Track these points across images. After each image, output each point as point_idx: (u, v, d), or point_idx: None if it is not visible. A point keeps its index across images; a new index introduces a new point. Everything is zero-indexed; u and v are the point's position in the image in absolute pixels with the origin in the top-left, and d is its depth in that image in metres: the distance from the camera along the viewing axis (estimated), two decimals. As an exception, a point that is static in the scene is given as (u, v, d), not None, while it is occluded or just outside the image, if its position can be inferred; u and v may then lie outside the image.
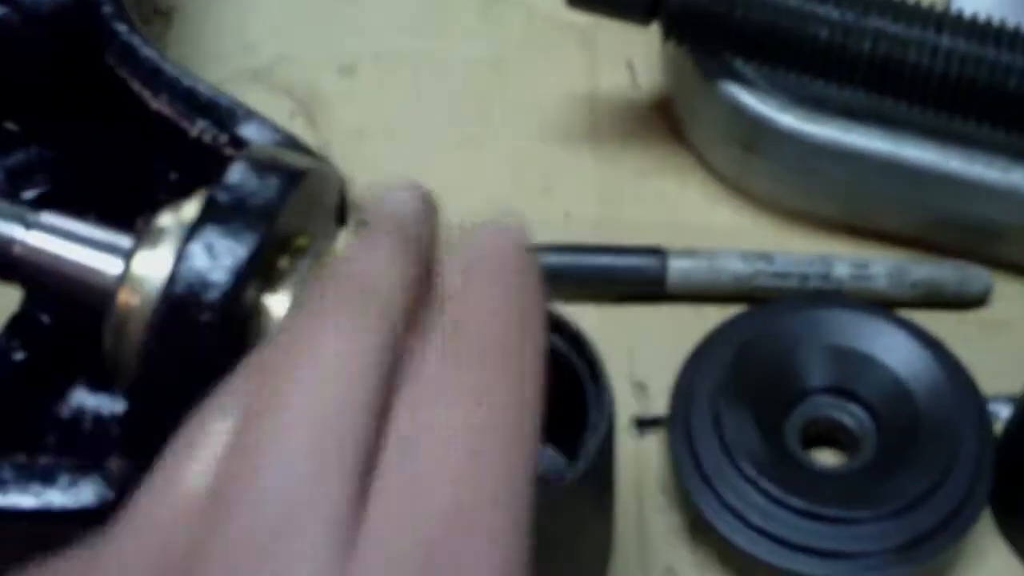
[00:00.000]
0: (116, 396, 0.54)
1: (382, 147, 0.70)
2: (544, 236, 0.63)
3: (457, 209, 0.67)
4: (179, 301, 0.44)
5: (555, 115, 0.71)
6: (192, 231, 0.45)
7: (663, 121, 0.71)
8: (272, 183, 0.47)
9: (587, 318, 0.61)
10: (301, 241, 0.48)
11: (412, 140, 0.71)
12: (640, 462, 0.60)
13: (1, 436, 0.50)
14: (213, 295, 0.44)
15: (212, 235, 0.45)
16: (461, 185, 0.67)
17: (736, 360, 0.57)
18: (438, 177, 0.68)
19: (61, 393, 0.54)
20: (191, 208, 0.48)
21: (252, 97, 0.54)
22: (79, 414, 0.54)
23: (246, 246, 0.45)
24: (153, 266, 0.46)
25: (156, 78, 0.55)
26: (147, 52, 0.56)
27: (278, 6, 0.76)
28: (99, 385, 0.54)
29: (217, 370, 0.45)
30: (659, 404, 0.60)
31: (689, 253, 0.63)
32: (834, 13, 0.61)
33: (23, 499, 0.47)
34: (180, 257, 0.44)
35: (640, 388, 0.61)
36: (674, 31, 0.63)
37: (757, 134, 0.64)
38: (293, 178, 0.47)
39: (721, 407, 0.56)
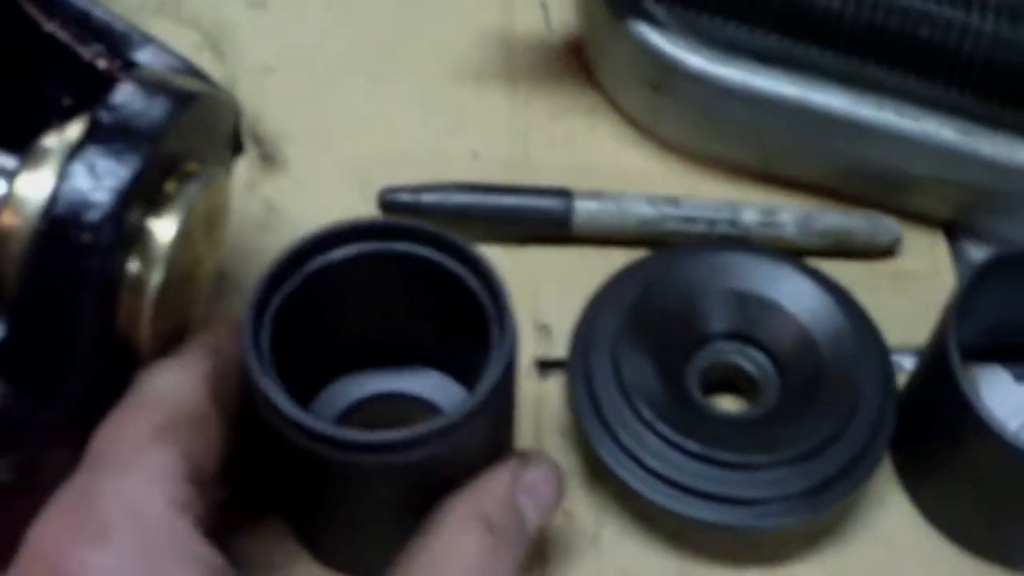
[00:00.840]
0: None
1: (291, 82, 0.69)
2: (452, 174, 0.63)
3: (364, 146, 0.66)
4: (59, 221, 0.43)
5: (467, 53, 0.70)
6: (74, 151, 0.44)
7: (576, 63, 0.70)
8: (159, 105, 0.46)
9: (494, 258, 0.60)
10: (190, 166, 0.48)
11: (321, 75, 0.70)
12: (541, 404, 0.59)
13: None
14: (94, 215, 0.43)
15: (94, 155, 0.44)
16: (370, 121, 0.67)
17: (638, 303, 0.57)
18: (347, 113, 0.68)
19: None
20: (76, 130, 0.46)
21: (158, 28, 0.53)
22: None
23: (129, 167, 0.44)
24: (35, 187, 0.45)
25: (47, 3, 0.53)
26: None
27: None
28: None
29: (95, 293, 0.44)
30: (562, 347, 0.59)
31: (596, 195, 0.62)
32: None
33: None
34: (61, 177, 0.43)
35: (543, 330, 0.61)
36: (586, -31, 0.62)
37: (666, 75, 0.63)
38: (182, 101, 0.46)
39: (621, 350, 0.55)
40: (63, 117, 0.48)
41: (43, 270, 0.44)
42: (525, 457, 0.49)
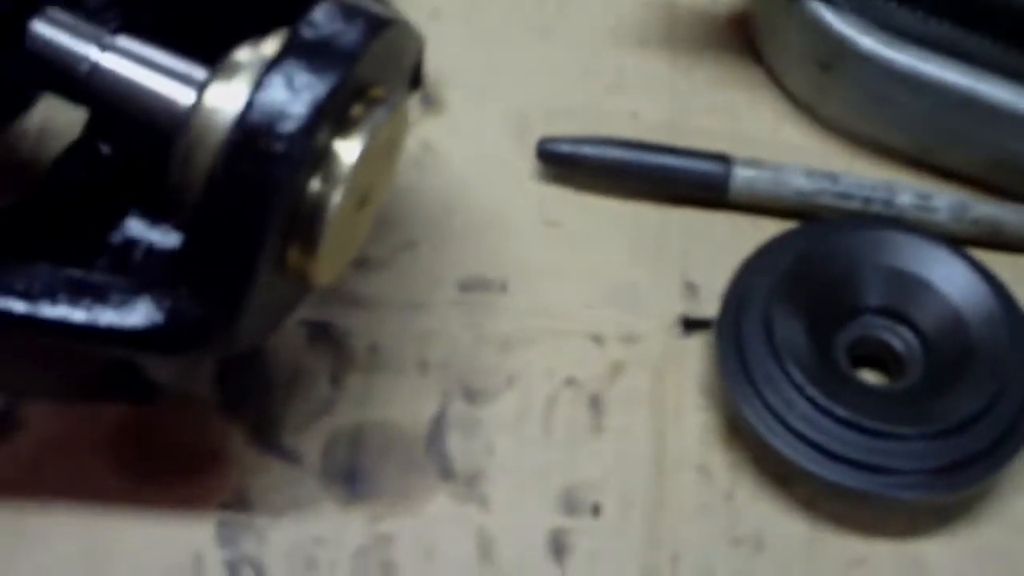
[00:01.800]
0: (169, 231, 0.54)
1: (456, 29, 0.70)
2: (610, 132, 0.63)
3: (526, 98, 0.67)
4: (253, 129, 0.44)
5: (631, 15, 0.71)
6: (273, 63, 0.45)
7: (739, 34, 0.70)
8: (357, 27, 0.47)
9: (645, 216, 0.62)
10: (376, 92, 0.48)
11: (486, 25, 0.70)
12: (682, 361, 0.59)
13: (54, 253, 0.50)
14: (289, 126, 0.44)
15: (293, 68, 0.44)
16: (533, 74, 0.68)
17: (791, 270, 0.57)
18: (509, 63, 0.69)
19: (114, 223, 0.54)
20: (270, 45, 0.47)
21: None
22: (131, 244, 0.54)
23: (327, 83, 0.44)
24: (227, 98, 0.46)
25: None
26: None
27: None
28: (153, 220, 0.54)
29: (282, 204, 0.45)
30: (708, 308, 0.60)
31: (754, 163, 0.63)
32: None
33: (73, 312, 0.46)
34: (259, 86, 0.44)
35: (690, 288, 0.61)
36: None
37: (836, 55, 0.63)
38: (379, 25, 0.47)
39: (773, 311, 0.56)
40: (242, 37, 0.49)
41: (232, 178, 0.44)
42: None
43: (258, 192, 0.44)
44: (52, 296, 0.46)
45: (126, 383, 0.55)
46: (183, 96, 0.49)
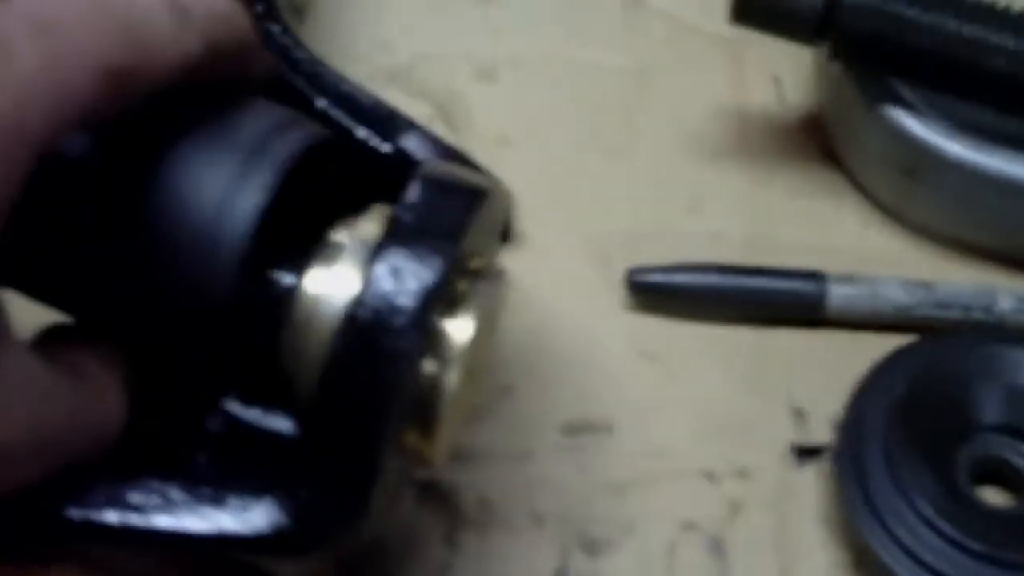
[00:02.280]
0: (268, 411, 0.53)
1: (524, 155, 0.69)
2: (694, 255, 0.62)
3: (604, 224, 0.66)
4: (367, 324, 0.43)
5: (702, 129, 0.70)
6: (377, 252, 0.43)
7: (813, 139, 0.69)
8: (456, 204, 0.46)
9: (743, 340, 0.61)
10: (477, 261, 0.47)
11: (553, 149, 0.69)
12: (796, 491, 0.58)
13: (154, 452, 0.49)
14: (400, 321, 0.43)
15: (398, 258, 0.43)
16: (607, 199, 0.67)
17: (908, 394, 0.56)
18: (581, 189, 0.68)
19: (212, 408, 0.53)
20: (367, 226, 0.46)
21: (390, 99, 0.53)
22: (232, 430, 0.52)
23: (433, 270, 0.43)
24: (333, 285, 0.45)
25: (315, 82, 0.53)
26: (301, 54, 0.55)
27: (413, 5, 0.74)
28: (247, 400, 0.53)
29: (399, 398, 0.43)
30: (818, 433, 0.59)
31: (849, 279, 0.62)
32: (1010, 42, 0.59)
33: (194, 523, 0.45)
34: (367, 280, 0.43)
35: (798, 414, 0.60)
36: (842, 53, 0.61)
37: (920, 161, 0.62)
38: (476, 199, 0.46)
39: (894, 443, 0.55)
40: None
41: (349, 375, 0.43)
42: None
43: (378, 389, 0.43)
44: (169, 508, 0.45)
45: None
46: (281, 277, 0.48)
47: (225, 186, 0.44)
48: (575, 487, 0.58)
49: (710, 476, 0.59)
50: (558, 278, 0.64)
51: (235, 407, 0.53)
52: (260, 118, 0.47)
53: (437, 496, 0.58)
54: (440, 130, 0.69)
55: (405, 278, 0.43)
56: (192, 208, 0.44)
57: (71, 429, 0.42)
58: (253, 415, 0.53)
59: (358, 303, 0.43)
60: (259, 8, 0.56)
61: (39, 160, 0.38)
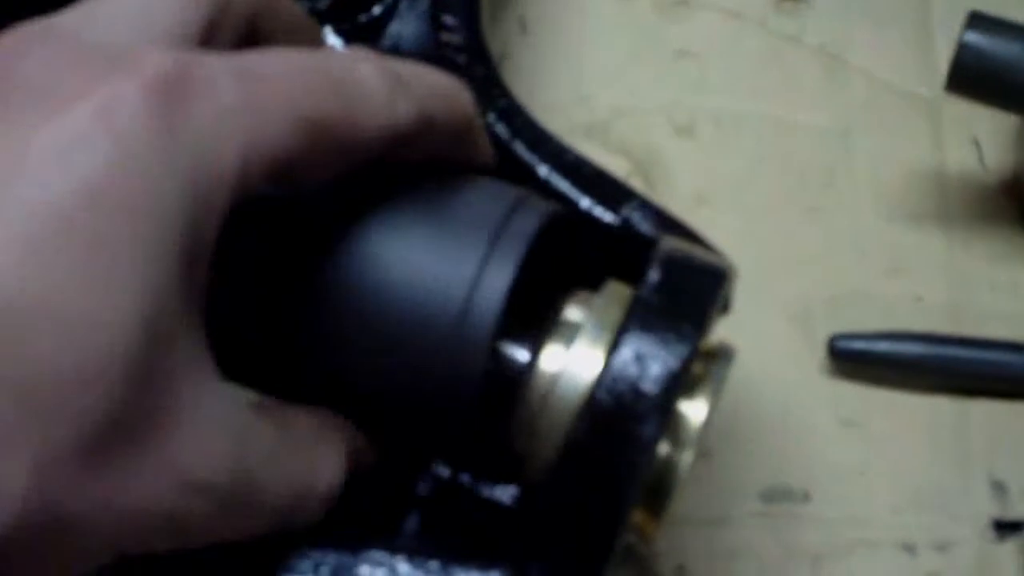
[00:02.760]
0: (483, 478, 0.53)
1: (721, 214, 0.69)
2: (896, 320, 0.62)
3: (804, 286, 0.66)
4: (609, 409, 0.43)
5: (900, 191, 0.69)
6: (621, 335, 0.44)
7: (1013, 203, 0.68)
8: (698, 288, 0.46)
9: (944, 410, 0.60)
10: (707, 344, 0.47)
11: (752, 209, 0.69)
12: (997, 569, 0.58)
13: (358, 515, 0.48)
14: (644, 407, 0.43)
15: (642, 342, 0.44)
16: (805, 260, 0.67)
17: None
18: (781, 250, 0.68)
19: (426, 467, 0.53)
20: (603, 304, 0.46)
21: (588, 154, 0.54)
22: (443, 494, 0.52)
23: (677, 356, 0.43)
24: (572, 364, 0.45)
25: (537, 148, 0.54)
26: (522, 120, 0.55)
27: (614, 59, 0.74)
28: (459, 463, 0.53)
29: (639, 485, 0.44)
30: (1019, 508, 0.59)
31: (1053, 352, 0.61)
32: None
33: None
34: (610, 363, 0.43)
35: (998, 488, 0.60)
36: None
37: None
38: (717, 283, 0.46)
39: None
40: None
41: (584, 456, 0.43)
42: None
43: (617, 472, 0.43)
44: None
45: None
46: (516, 353, 0.48)
47: (473, 265, 0.44)
48: (773, 556, 0.59)
49: (908, 548, 0.59)
50: (758, 341, 0.64)
51: (445, 469, 0.53)
52: (494, 196, 0.47)
53: (634, 562, 0.58)
54: (638, 186, 0.69)
55: (649, 364, 0.43)
56: (433, 289, 0.44)
57: (275, 479, 0.41)
58: (464, 479, 0.53)
59: (601, 386, 0.43)
60: (479, 70, 0.56)
61: (240, 204, 0.39)
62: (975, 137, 0.71)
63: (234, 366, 0.42)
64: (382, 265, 0.45)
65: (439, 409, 0.45)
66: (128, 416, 0.35)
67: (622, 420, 0.43)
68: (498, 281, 0.44)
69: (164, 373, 0.36)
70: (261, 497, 0.41)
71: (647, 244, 0.49)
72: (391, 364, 0.45)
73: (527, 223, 0.46)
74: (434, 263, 0.44)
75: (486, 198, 0.47)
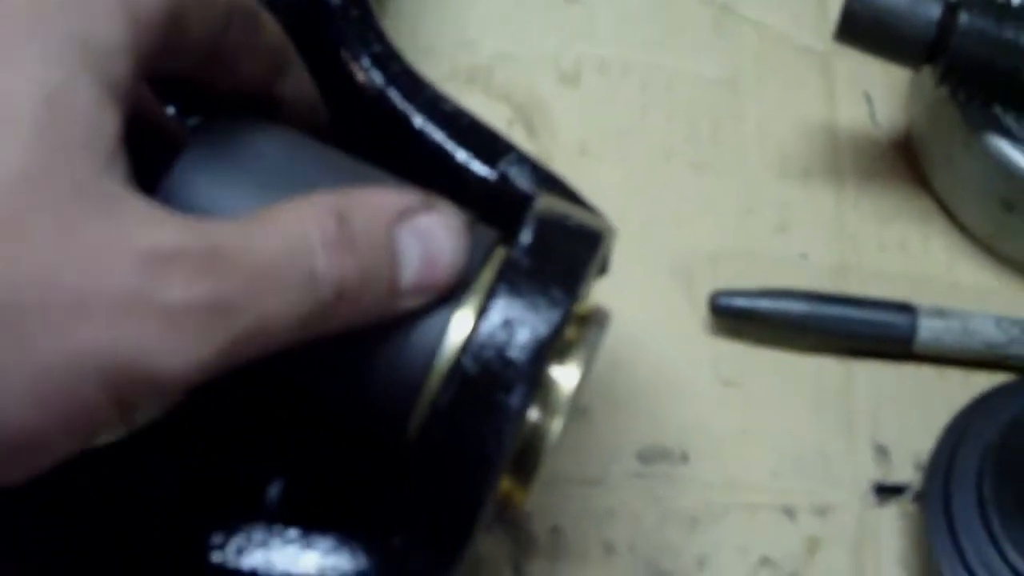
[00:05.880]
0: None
1: (605, 165, 0.67)
2: (781, 277, 0.61)
3: (687, 241, 0.64)
4: (475, 377, 0.41)
5: (790, 146, 0.67)
6: (489, 298, 0.41)
7: (904, 163, 0.67)
8: (572, 251, 0.43)
9: (828, 371, 0.59)
10: (583, 307, 0.45)
11: (636, 160, 0.67)
12: (875, 531, 0.57)
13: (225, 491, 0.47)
14: (511, 375, 0.40)
15: (511, 307, 0.41)
16: (689, 215, 0.64)
17: (1003, 439, 0.54)
18: (665, 204, 0.66)
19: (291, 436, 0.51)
20: (486, 271, 0.44)
21: (469, 100, 0.51)
22: (306, 461, 0.50)
23: (548, 323, 0.41)
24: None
25: (413, 96, 0.51)
26: (398, 66, 0.52)
27: (501, 3, 0.72)
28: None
29: (506, 453, 0.41)
30: (900, 472, 0.58)
31: (940, 313, 0.60)
32: None
33: (282, 563, 0.43)
34: (476, 328, 0.41)
35: (881, 452, 0.58)
36: (950, 80, 0.59)
37: (1022, 195, 0.60)
38: (591, 244, 0.44)
39: (987, 491, 0.53)
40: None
41: (449, 425, 0.41)
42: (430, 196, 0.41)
43: (484, 443, 0.41)
44: (252, 550, 0.43)
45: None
46: None
47: None
48: (648, 518, 0.57)
49: (788, 512, 0.57)
50: (638, 297, 0.62)
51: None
52: None
53: (507, 522, 0.56)
54: (519, 135, 0.67)
55: (517, 330, 0.41)
56: None
57: None
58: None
59: (467, 352, 0.41)
60: (354, 12, 0.53)
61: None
62: (867, 93, 0.69)
63: None
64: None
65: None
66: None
67: (488, 388, 0.40)
68: None
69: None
70: None
71: (525, 200, 0.46)
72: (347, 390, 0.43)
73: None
74: None
75: None
